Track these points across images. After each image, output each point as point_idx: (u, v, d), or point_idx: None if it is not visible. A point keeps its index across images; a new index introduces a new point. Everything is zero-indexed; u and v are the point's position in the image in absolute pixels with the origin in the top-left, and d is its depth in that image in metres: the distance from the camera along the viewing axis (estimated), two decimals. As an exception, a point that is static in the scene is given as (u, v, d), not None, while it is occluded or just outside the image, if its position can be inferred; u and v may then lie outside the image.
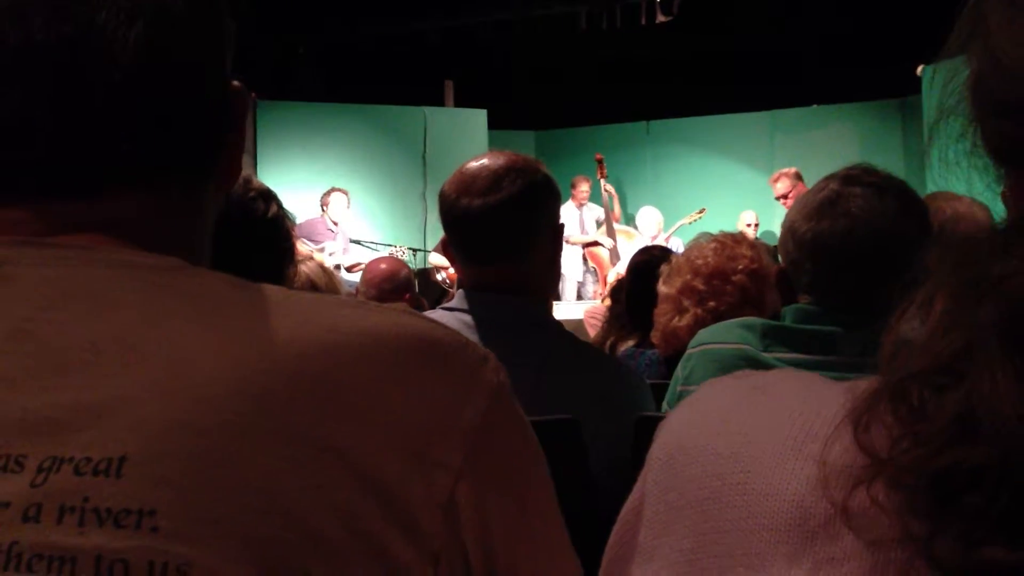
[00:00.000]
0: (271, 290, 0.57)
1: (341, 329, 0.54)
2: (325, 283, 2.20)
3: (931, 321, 0.36)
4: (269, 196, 1.42)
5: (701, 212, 7.93)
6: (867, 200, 1.34)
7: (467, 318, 1.56)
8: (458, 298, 1.61)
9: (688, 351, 1.59)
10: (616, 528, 0.50)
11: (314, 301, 0.57)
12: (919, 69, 6.74)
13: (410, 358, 0.54)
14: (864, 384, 0.38)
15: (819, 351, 1.36)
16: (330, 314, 0.55)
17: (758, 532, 0.39)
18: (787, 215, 1.48)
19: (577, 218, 8.09)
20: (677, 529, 0.43)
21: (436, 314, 1.62)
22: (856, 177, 1.38)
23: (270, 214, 1.40)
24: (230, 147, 0.65)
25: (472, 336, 1.52)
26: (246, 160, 7.83)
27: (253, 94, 8.30)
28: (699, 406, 0.48)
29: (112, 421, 0.48)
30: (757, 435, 0.42)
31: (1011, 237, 0.34)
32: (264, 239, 1.39)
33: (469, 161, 1.61)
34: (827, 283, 1.39)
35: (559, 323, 1.67)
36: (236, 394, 0.50)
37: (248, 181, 1.39)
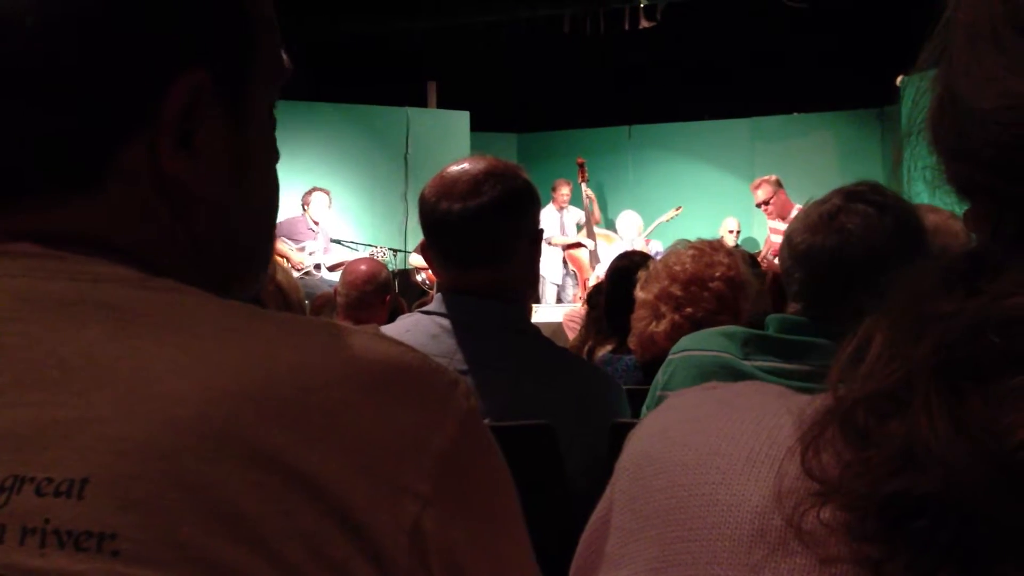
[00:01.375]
0: (241, 308, 0.56)
1: (309, 352, 0.53)
2: (287, 282, 2.19)
3: (873, 351, 0.36)
4: None
5: (678, 210, 7.98)
6: (866, 218, 1.36)
7: (445, 322, 1.56)
8: (436, 301, 1.61)
9: (669, 357, 1.60)
10: (584, 536, 0.50)
11: (284, 322, 0.56)
12: (899, 79, 6.80)
13: (379, 383, 0.54)
14: (817, 403, 0.39)
15: (799, 360, 1.38)
16: (298, 336, 0.54)
17: (722, 542, 0.40)
18: (790, 224, 1.50)
19: (558, 221, 8.10)
20: (644, 538, 0.44)
21: (414, 317, 1.62)
22: (861, 194, 1.40)
23: None
24: (152, 156, 0.59)
25: (450, 340, 1.53)
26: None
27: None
28: (667, 417, 0.48)
29: (76, 441, 0.47)
30: (723, 447, 0.43)
31: (951, 279, 0.35)
32: None
33: (450, 165, 1.61)
34: (814, 294, 1.42)
35: (537, 328, 1.68)
36: (203, 417, 0.49)
37: None
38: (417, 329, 1.56)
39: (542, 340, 1.63)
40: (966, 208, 0.39)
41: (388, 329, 1.65)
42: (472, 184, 1.55)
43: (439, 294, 1.62)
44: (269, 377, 0.51)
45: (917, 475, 0.32)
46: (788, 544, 0.37)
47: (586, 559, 0.50)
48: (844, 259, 1.35)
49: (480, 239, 1.56)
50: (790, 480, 0.38)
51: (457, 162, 1.62)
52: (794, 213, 2.64)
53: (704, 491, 0.42)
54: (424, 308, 1.62)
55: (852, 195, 1.39)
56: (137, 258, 0.58)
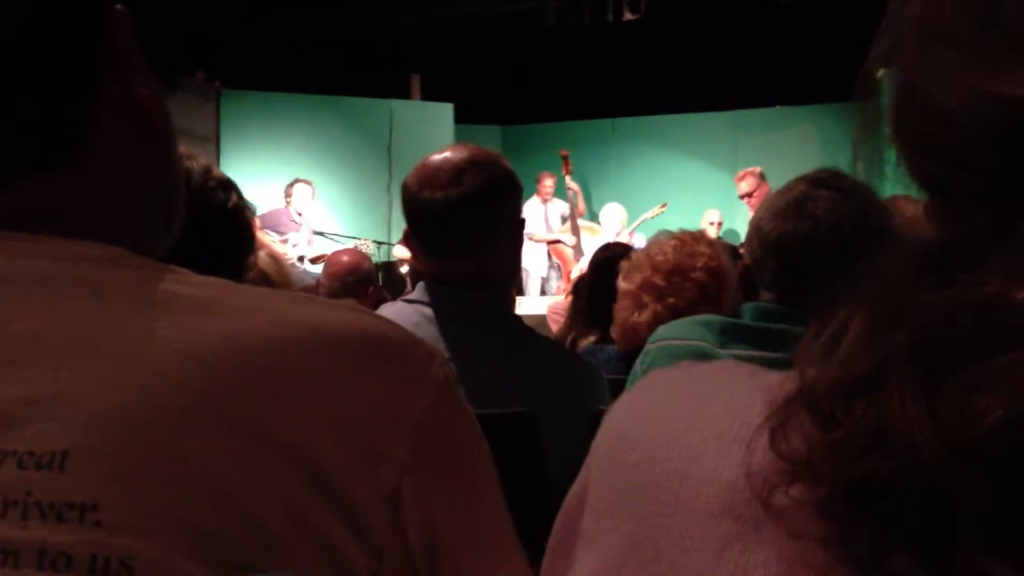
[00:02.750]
0: (218, 283, 0.56)
1: (288, 324, 0.54)
2: (276, 272, 2.19)
3: (848, 340, 0.37)
4: (229, 186, 1.41)
5: (663, 207, 7.99)
6: (832, 203, 1.38)
7: (427, 311, 1.57)
8: (418, 290, 1.61)
9: (647, 347, 1.61)
10: (560, 514, 0.51)
11: (262, 295, 0.56)
12: (880, 72, 6.83)
13: (357, 353, 0.54)
14: (788, 384, 0.40)
15: (775, 347, 1.40)
16: (278, 309, 0.55)
17: (694, 516, 0.40)
18: (755, 214, 1.51)
19: (542, 214, 8.10)
20: (618, 514, 0.44)
21: (397, 306, 1.62)
22: (824, 180, 1.41)
23: (230, 204, 1.39)
24: (118, 85, 0.60)
25: (432, 329, 1.53)
26: (209, 150, 7.80)
27: (218, 83, 8.23)
28: (641, 396, 0.49)
29: (57, 414, 0.48)
30: (695, 423, 0.43)
31: (926, 268, 0.35)
32: (224, 229, 1.38)
33: (432, 154, 1.62)
34: (788, 281, 1.43)
35: (519, 317, 1.68)
36: (182, 387, 0.49)
37: (208, 171, 1.38)
38: (399, 318, 1.56)
39: (524, 329, 1.64)
40: (926, 200, 0.39)
41: None
42: (454, 173, 1.55)
43: (421, 283, 1.62)
44: (248, 348, 0.52)
45: (885, 457, 0.33)
46: (758, 518, 0.38)
47: (562, 536, 0.50)
48: (815, 244, 1.37)
49: (462, 228, 1.56)
50: (759, 458, 0.39)
51: (439, 151, 1.62)
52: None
53: (676, 466, 0.42)
54: (406, 297, 1.62)
55: (816, 182, 1.41)
56: (113, 230, 0.59)
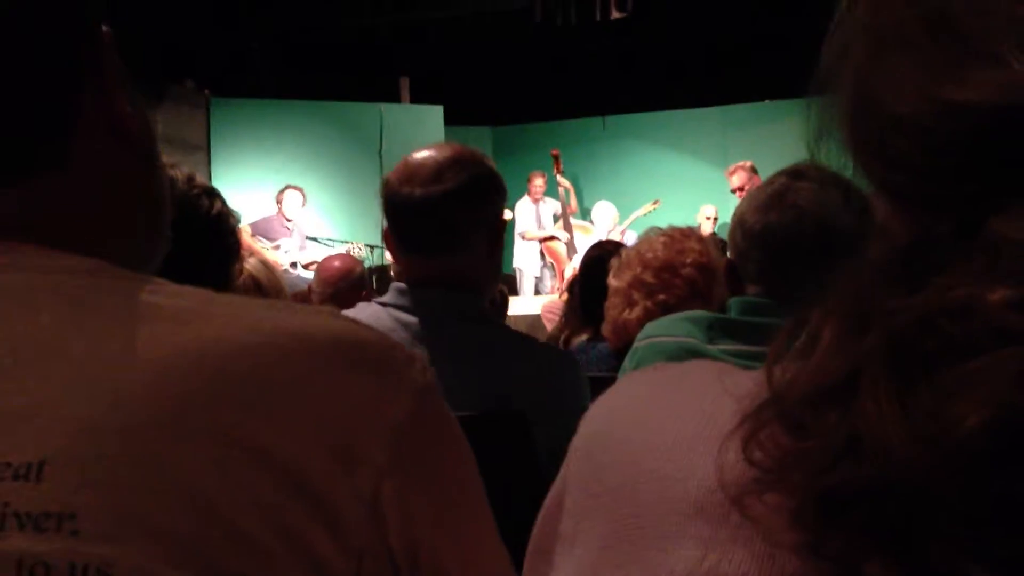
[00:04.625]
0: (195, 293, 0.56)
1: (265, 330, 0.54)
2: (267, 278, 2.18)
3: (819, 347, 0.36)
4: (213, 193, 1.41)
5: (655, 203, 8.00)
6: (814, 193, 1.38)
7: (402, 315, 1.55)
8: (392, 292, 1.59)
9: (635, 344, 1.61)
10: (539, 518, 0.51)
11: (238, 304, 0.56)
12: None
13: (335, 358, 0.54)
14: (756, 389, 0.39)
15: (763, 342, 1.39)
16: (254, 316, 0.55)
17: (669, 516, 0.40)
18: (737, 208, 1.51)
19: (533, 213, 8.11)
20: (596, 515, 0.44)
21: (371, 309, 1.60)
22: (803, 172, 1.42)
23: (214, 211, 1.39)
24: (99, 101, 0.61)
25: (404, 333, 1.52)
26: (199, 157, 7.79)
27: (207, 91, 8.22)
28: (617, 398, 0.49)
29: (32, 425, 0.48)
30: (668, 425, 0.44)
31: (896, 271, 0.35)
32: (209, 236, 1.38)
33: (416, 151, 1.61)
34: (774, 273, 1.43)
35: (495, 317, 1.66)
36: (158, 396, 0.50)
37: (192, 178, 1.38)
38: (374, 321, 1.55)
39: (501, 328, 1.63)
40: (885, 203, 0.39)
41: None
42: (435, 170, 1.55)
43: (394, 285, 1.60)
44: (223, 355, 0.52)
45: (858, 466, 0.33)
46: (733, 522, 0.38)
47: (541, 540, 0.50)
48: (799, 235, 1.37)
49: (439, 225, 1.55)
50: (732, 463, 0.39)
51: (424, 148, 1.61)
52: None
53: (651, 467, 0.43)
54: (380, 300, 1.60)
55: (796, 174, 1.42)
56: (94, 241, 0.59)
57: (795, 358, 0.38)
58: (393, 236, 1.62)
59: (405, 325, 1.54)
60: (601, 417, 0.49)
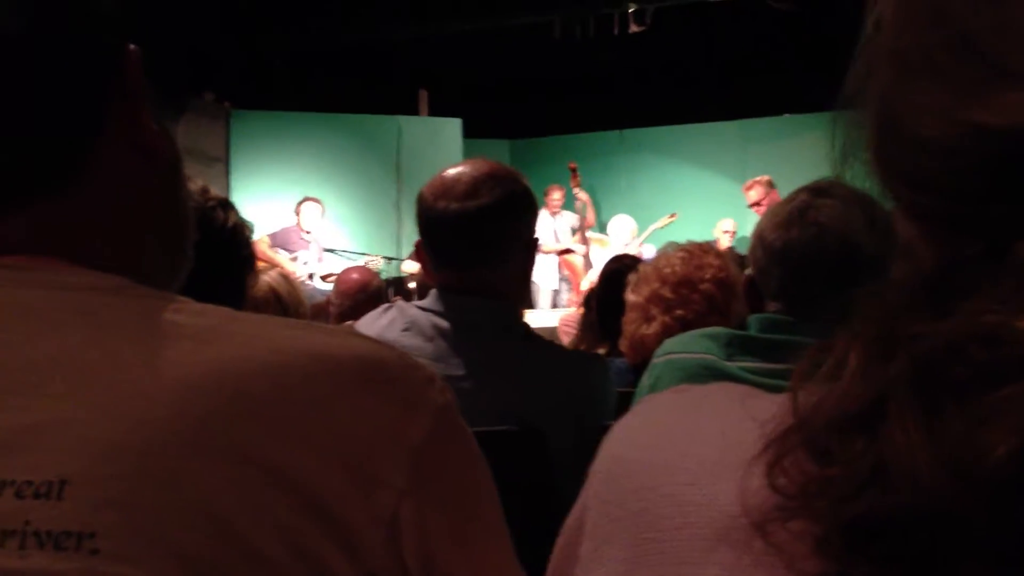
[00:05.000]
0: (218, 311, 0.57)
1: (285, 350, 0.54)
2: (287, 291, 2.19)
3: (846, 372, 0.36)
4: (228, 205, 1.42)
5: (672, 216, 7.98)
6: (836, 211, 1.37)
7: (442, 322, 1.56)
8: (432, 298, 1.60)
9: (653, 361, 1.60)
10: (559, 541, 0.51)
11: (260, 322, 0.57)
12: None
13: (354, 378, 0.54)
14: (780, 414, 0.39)
15: (783, 359, 1.38)
16: (275, 335, 0.55)
17: (692, 541, 0.40)
18: (758, 224, 1.51)
19: (551, 226, 8.11)
20: (616, 540, 0.44)
21: (412, 312, 1.60)
22: (825, 189, 1.41)
23: (229, 223, 1.39)
24: (124, 118, 0.62)
25: (443, 342, 1.53)
26: (219, 169, 7.84)
27: (227, 103, 8.28)
28: (637, 421, 0.49)
29: (53, 443, 0.48)
30: (692, 450, 0.43)
31: (923, 295, 0.35)
32: (224, 248, 1.39)
33: (450, 167, 1.62)
34: (794, 290, 1.42)
35: (529, 326, 1.67)
36: (178, 414, 0.50)
37: (206, 190, 1.38)
38: (415, 328, 1.56)
39: (536, 338, 1.63)
40: (909, 225, 0.39)
41: (374, 319, 1.65)
42: (471, 185, 1.55)
43: (434, 291, 1.60)
44: (244, 375, 0.52)
45: (884, 494, 0.32)
46: (756, 548, 0.38)
47: (561, 562, 0.50)
48: (820, 252, 1.36)
49: (475, 240, 1.56)
50: (756, 489, 0.38)
51: (458, 164, 1.62)
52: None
53: (673, 491, 0.42)
54: (420, 304, 1.60)
55: (818, 191, 1.41)
56: (118, 259, 0.59)
57: (820, 383, 0.37)
58: (427, 250, 1.62)
59: (443, 333, 1.54)
60: (622, 440, 0.48)
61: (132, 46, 0.63)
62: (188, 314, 0.56)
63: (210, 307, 0.57)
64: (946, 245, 0.36)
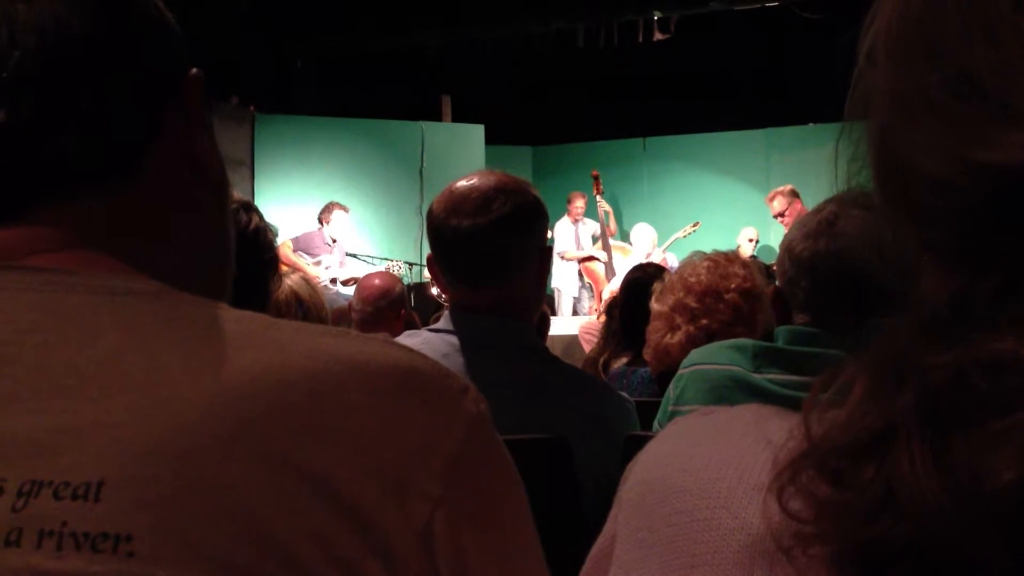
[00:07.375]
0: (256, 318, 0.57)
1: (321, 357, 0.54)
2: (309, 295, 2.20)
3: (852, 400, 0.37)
4: (250, 208, 1.42)
5: (695, 225, 7.96)
6: (864, 222, 1.36)
7: (455, 340, 1.56)
8: (445, 319, 1.60)
9: (679, 372, 1.59)
10: (586, 566, 0.51)
11: (295, 329, 0.57)
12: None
13: (389, 387, 0.54)
14: (793, 441, 0.39)
15: (811, 372, 1.37)
16: (311, 343, 0.55)
17: (726, 567, 0.40)
18: (786, 235, 1.50)
19: (573, 234, 8.11)
20: (648, 566, 0.44)
21: (424, 335, 1.61)
22: (855, 199, 1.40)
23: (252, 226, 1.40)
24: (179, 130, 0.64)
25: (459, 359, 1.53)
26: (244, 173, 7.90)
27: (251, 107, 8.36)
28: (666, 445, 0.49)
29: (92, 445, 0.48)
30: (723, 473, 0.43)
31: (931, 327, 0.36)
32: (247, 251, 1.39)
33: (459, 180, 1.61)
34: (822, 302, 1.41)
35: (544, 346, 1.67)
36: (215, 419, 0.50)
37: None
38: (427, 348, 1.56)
39: (551, 358, 1.63)
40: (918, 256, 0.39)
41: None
42: (482, 200, 1.54)
43: (447, 312, 1.61)
44: (281, 382, 0.52)
45: (895, 520, 0.33)
46: (785, 570, 0.38)
47: None
48: (848, 263, 1.35)
49: (489, 257, 1.55)
50: (777, 513, 0.39)
51: (467, 177, 1.61)
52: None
53: (705, 515, 0.42)
54: (434, 327, 1.61)
55: (847, 201, 1.40)
56: (159, 264, 0.60)
57: (831, 410, 0.38)
58: (439, 266, 1.62)
59: (458, 350, 1.55)
60: (652, 465, 0.48)
61: (195, 70, 0.66)
62: (226, 320, 0.56)
63: (248, 313, 0.57)
64: (954, 276, 0.36)
